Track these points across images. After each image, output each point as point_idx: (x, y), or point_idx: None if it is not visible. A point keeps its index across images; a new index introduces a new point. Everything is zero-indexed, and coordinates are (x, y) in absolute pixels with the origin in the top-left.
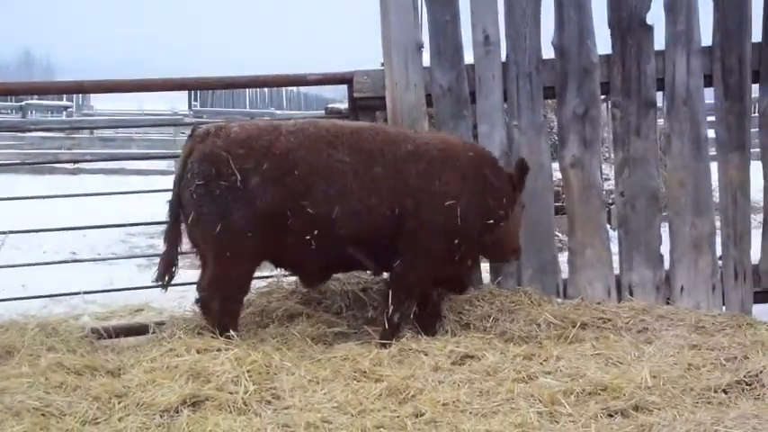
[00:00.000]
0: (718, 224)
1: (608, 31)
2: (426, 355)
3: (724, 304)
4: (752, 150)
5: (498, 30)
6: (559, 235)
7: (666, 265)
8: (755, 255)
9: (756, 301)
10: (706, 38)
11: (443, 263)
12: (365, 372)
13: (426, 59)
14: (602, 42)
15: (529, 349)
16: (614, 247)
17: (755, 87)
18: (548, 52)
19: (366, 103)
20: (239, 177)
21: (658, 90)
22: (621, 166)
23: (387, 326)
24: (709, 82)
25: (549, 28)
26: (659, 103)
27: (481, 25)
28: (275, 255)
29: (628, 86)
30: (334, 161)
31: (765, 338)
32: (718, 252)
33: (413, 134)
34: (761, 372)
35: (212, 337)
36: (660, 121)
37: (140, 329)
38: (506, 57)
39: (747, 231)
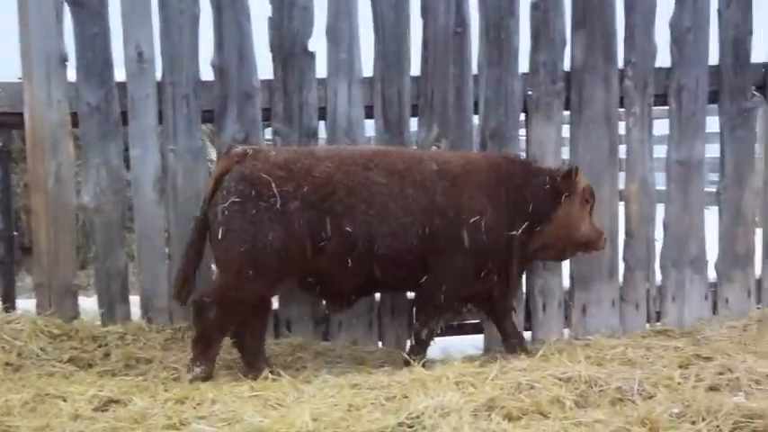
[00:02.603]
0: None
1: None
2: (65, 401)
3: (380, 339)
4: None
5: (153, 47)
6: None
7: None
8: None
9: (410, 337)
10: (369, 68)
11: (471, 279)
12: None
13: (73, 74)
14: (267, 66)
15: (182, 392)
16: None
17: (414, 121)
18: (208, 73)
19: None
20: (279, 200)
21: (320, 119)
22: None
23: (415, 342)
24: (370, 113)
25: (210, 48)
26: (321, 133)
27: (134, 41)
28: (304, 276)
29: (290, 114)
30: (371, 183)
31: (424, 377)
32: None
33: (436, 153)
34: (422, 413)
35: None
36: None
37: None
38: (162, 76)
39: None
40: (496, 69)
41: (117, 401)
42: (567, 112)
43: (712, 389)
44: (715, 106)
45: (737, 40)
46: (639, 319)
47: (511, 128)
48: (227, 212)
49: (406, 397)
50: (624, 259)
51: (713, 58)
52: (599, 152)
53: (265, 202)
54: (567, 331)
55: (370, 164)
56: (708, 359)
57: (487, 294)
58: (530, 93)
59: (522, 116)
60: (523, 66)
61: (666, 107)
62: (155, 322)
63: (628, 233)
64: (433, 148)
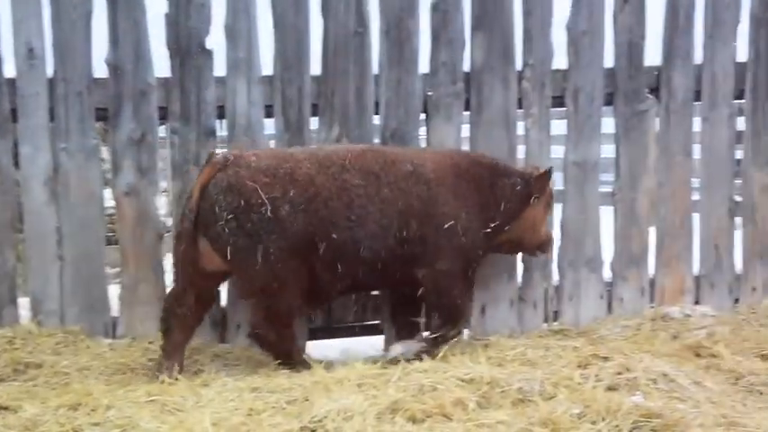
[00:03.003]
0: None
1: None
2: None
3: None
4: None
5: (44, 42)
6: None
7: (224, 302)
8: None
9: (310, 338)
10: (269, 67)
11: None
12: None
13: None
14: (164, 64)
15: (75, 398)
16: None
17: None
18: (102, 70)
19: None
20: (269, 207)
21: (219, 118)
22: (179, 197)
23: (432, 344)
24: (270, 112)
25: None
26: (220, 132)
27: (24, 35)
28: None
29: (187, 112)
30: (349, 185)
31: (326, 379)
32: None
33: (411, 153)
34: (325, 417)
35: None
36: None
37: None
38: (54, 72)
39: None
40: (397, 69)
41: (6, 408)
42: (466, 113)
43: (611, 389)
44: (611, 108)
45: (632, 44)
46: (537, 318)
47: (411, 128)
48: (227, 230)
49: (307, 400)
50: (522, 259)
51: (609, 60)
52: (498, 153)
53: (256, 213)
54: (466, 332)
55: (346, 165)
56: (606, 359)
57: None
58: (430, 93)
59: (423, 116)
60: (424, 66)
61: (564, 108)
62: (45, 325)
63: None
64: None
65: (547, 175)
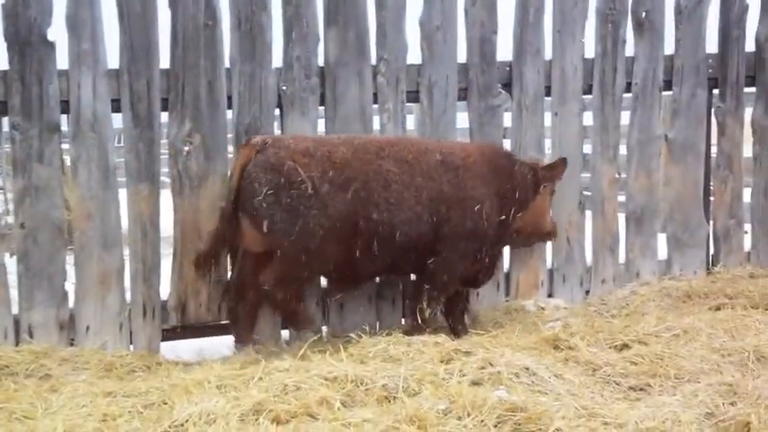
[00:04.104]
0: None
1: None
2: None
3: (132, 343)
4: (162, 180)
5: None
6: None
7: (72, 302)
8: (165, 290)
9: (163, 339)
10: (116, 60)
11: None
12: None
13: None
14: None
15: None
16: None
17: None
18: None
19: None
20: (310, 185)
21: (63, 112)
22: (22, 195)
23: (419, 321)
24: (118, 106)
25: None
26: (65, 127)
27: None
28: (337, 259)
29: (29, 107)
30: (385, 170)
31: (185, 383)
32: (127, 287)
33: (438, 143)
34: (186, 421)
35: None
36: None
37: None
38: None
39: (157, 266)
40: (250, 64)
41: None
42: (322, 108)
43: (475, 383)
44: (465, 103)
45: (483, 39)
46: (396, 314)
47: (265, 123)
48: (264, 205)
49: (166, 404)
50: None
51: (462, 56)
52: None
53: (297, 189)
54: (325, 329)
55: (382, 152)
56: (468, 353)
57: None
58: (284, 88)
59: (277, 111)
60: (277, 61)
61: (419, 103)
62: None
63: None
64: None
65: (558, 164)
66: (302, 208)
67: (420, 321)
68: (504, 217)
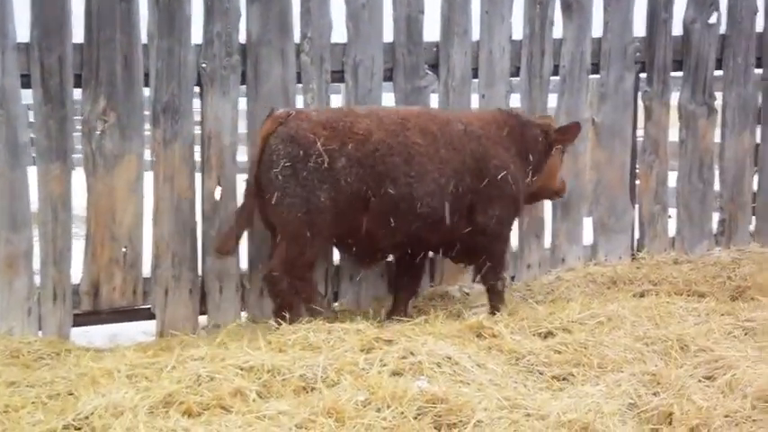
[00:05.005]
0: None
1: None
2: None
3: (41, 329)
4: (76, 159)
5: None
6: None
7: None
8: (76, 274)
9: (75, 324)
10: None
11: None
12: None
13: None
14: None
15: None
16: None
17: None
18: None
19: None
20: (326, 159)
21: None
22: None
23: (495, 297)
24: (28, 82)
25: None
26: None
27: None
28: (347, 234)
29: None
30: (410, 142)
31: (93, 371)
32: (37, 270)
33: (457, 114)
34: (91, 413)
35: None
36: None
37: None
38: None
39: (68, 248)
40: (167, 39)
41: None
42: (243, 87)
43: (396, 374)
44: (391, 83)
45: (410, 18)
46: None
47: (184, 101)
48: (281, 177)
49: (71, 394)
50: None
51: (389, 35)
52: None
53: (313, 163)
54: (244, 314)
55: (407, 123)
56: (389, 342)
57: None
58: (204, 65)
59: (197, 89)
60: (197, 37)
61: (343, 83)
62: None
63: None
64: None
65: (571, 127)
66: (316, 182)
67: (496, 296)
68: (527, 179)
